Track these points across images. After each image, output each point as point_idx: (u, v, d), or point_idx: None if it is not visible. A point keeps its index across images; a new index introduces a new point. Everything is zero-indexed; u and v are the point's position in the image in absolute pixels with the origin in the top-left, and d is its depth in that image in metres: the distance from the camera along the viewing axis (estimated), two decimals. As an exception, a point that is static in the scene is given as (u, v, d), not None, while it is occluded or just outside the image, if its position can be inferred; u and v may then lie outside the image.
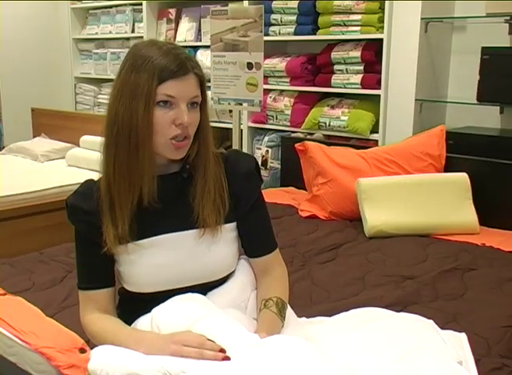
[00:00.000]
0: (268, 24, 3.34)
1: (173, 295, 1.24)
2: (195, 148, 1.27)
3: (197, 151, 1.27)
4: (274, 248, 1.39)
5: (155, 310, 1.22)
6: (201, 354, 1.07)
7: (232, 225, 1.33)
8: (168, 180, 1.26)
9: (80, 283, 1.31)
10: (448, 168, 2.64)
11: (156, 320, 1.20)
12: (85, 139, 3.88)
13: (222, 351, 1.08)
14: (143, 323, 1.24)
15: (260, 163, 3.42)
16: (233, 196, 1.31)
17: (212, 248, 1.28)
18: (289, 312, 1.37)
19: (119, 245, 1.23)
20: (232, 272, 1.35)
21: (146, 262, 1.25)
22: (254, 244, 1.37)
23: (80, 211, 1.26)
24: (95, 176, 1.31)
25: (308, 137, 3.24)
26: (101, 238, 1.22)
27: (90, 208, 1.24)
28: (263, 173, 3.23)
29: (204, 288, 1.29)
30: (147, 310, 1.24)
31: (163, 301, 1.23)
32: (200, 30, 3.87)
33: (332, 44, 3.19)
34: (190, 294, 1.25)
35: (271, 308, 1.27)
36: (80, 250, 1.30)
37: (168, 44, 1.24)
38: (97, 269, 1.28)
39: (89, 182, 1.30)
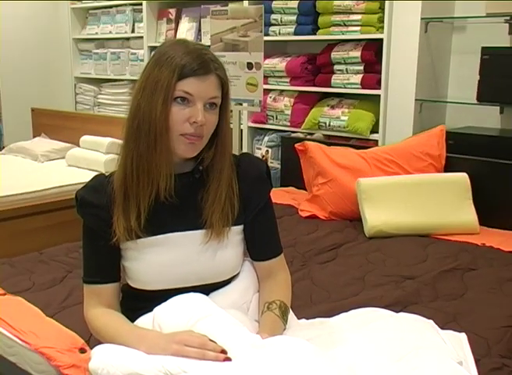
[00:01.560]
0: (268, 24, 3.34)
1: (176, 294, 1.24)
2: (211, 152, 1.27)
3: (214, 155, 1.27)
4: (279, 252, 1.39)
5: (157, 309, 1.22)
6: (203, 354, 1.07)
7: (239, 228, 1.34)
8: (180, 178, 1.26)
9: (86, 277, 1.31)
10: (448, 168, 2.64)
11: (158, 319, 1.20)
12: (85, 139, 3.88)
13: (224, 352, 1.08)
14: (144, 321, 1.24)
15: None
16: (243, 200, 1.31)
17: (218, 249, 1.28)
18: (290, 314, 1.36)
19: (129, 240, 1.23)
20: (236, 274, 1.35)
21: (153, 259, 1.25)
22: (259, 247, 1.37)
23: (90, 204, 1.26)
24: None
25: (308, 137, 3.24)
26: (109, 231, 1.23)
27: (100, 203, 1.25)
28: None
29: (207, 289, 1.29)
30: (149, 309, 1.24)
31: (166, 300, 1.23)
32: (200, 30, 3.87)
33: (332, 44, 3.19)
34: (192, 294, 1.25)
35: (274, 311, 1.28)
36: (88, 244, 1.30)
37: (196, 44, 1.25)
38: (104, 264, 1.28)
39: (100, 176, 1.31)
